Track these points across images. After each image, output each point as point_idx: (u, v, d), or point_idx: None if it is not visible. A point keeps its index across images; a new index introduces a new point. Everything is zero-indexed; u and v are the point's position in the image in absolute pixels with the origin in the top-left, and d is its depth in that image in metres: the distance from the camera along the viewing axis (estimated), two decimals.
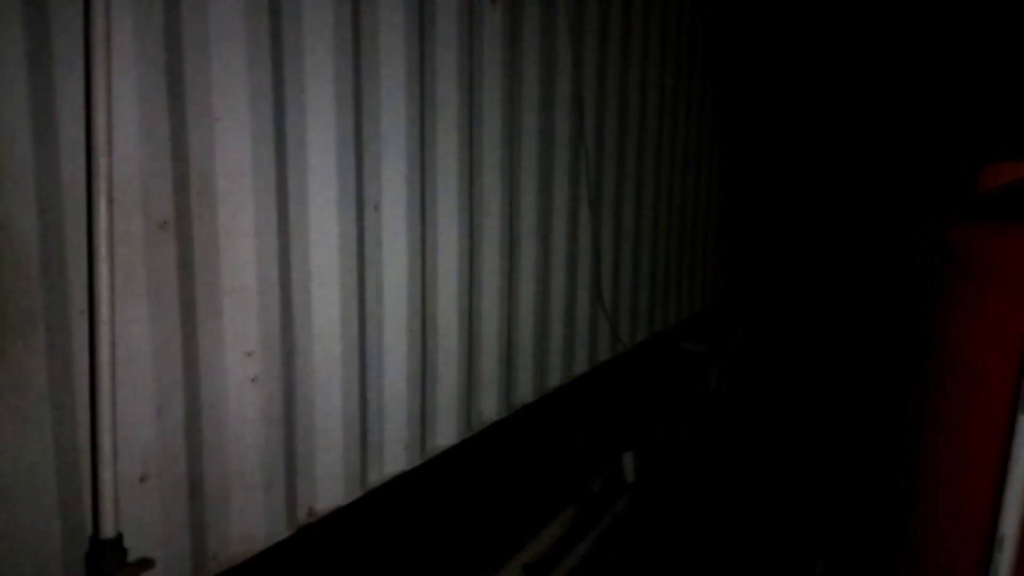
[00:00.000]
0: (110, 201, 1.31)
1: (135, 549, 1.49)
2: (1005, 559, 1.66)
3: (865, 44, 5.83)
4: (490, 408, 2.73)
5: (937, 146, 5.12)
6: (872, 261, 5.66)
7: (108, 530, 1.36)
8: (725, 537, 3.37)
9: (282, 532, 1.86)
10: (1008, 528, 1.65)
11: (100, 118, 1.26)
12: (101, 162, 1.27)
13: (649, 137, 3.84)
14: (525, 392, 2.94)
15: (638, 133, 3.70)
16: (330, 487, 2.02)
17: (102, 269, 1.30)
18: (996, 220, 1.78)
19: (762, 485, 3.92)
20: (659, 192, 4.02)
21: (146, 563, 1.42)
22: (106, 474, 1.33)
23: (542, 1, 2.76)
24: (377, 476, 2.20)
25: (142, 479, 1.53)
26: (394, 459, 2.26)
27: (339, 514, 2.04)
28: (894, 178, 5.69)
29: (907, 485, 2.18)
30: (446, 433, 2.49)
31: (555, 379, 3.15)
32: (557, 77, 2.94)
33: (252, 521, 1.80)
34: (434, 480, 2.48)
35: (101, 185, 1.27)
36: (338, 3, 1.86)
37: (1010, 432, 1.61)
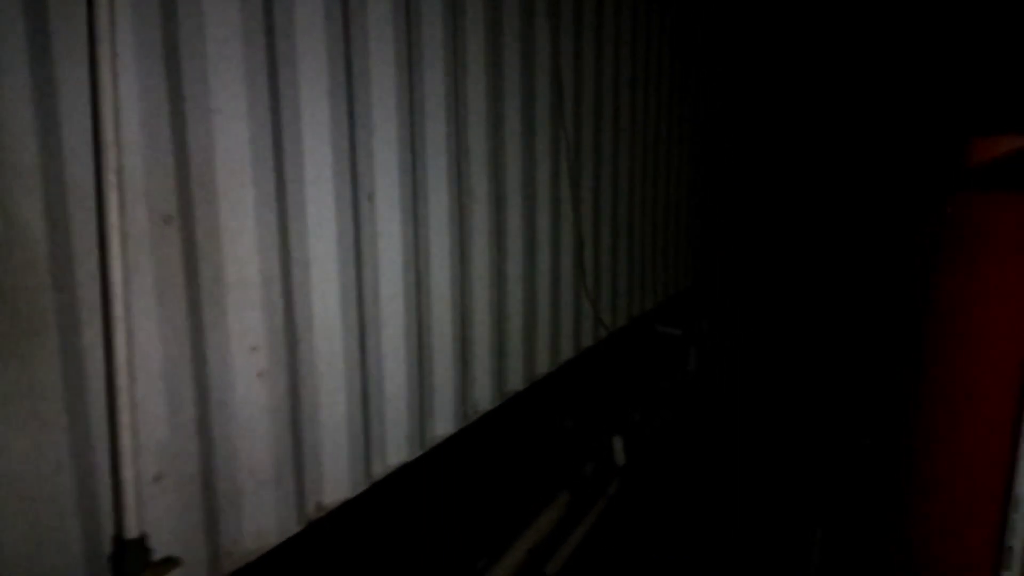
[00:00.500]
0: (121, 195, 1.28)
1: (154, 549, 1.47)
2: (1021, 519, 1.72)
3: (848, 23, 5.93)
4: (484, 397, 2.74)
5: (923, 122, 5.26)
6: (860, 231, 5.81)
7: (132, 530, 1.34)
8: (719, 513, 3.44)
9: (292, 527, 1.85)
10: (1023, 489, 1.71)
11: (107, 111, 1.24)
12: (110, 156, 1.24)
13: (624, 122, 3.88)
14: (516, 380, 2.96)
15: (614, 118, 3.74)
16: (337, 480, 2.01)
17: (115, 265, 1.28)
18: (984, 189, 1.86)
19: (751, 460, 4.01)
20: (634, 177, 4.07)
21: (171, 562, 1.40)
22: (127, 473, 1.31)
23: None
24: (381, 468, 2.20)
25: (156, 478, 1.50)
26: (396, 450, 2.26)
27: (346, 507, 2.04)
28: (879, 154, 5.83)
29: (909, 445, 2.25)
30: (444, 423, 2.49)
31: (543, 366, 3.18)
32: (536, 66, 2.96)
33: (263, 517, 1.78)
34: (434, 470, 2.49)
35: (111, 179, 1.25)
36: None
37: (1021, 383, 1.68)
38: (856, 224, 5.99)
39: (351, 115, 1.97)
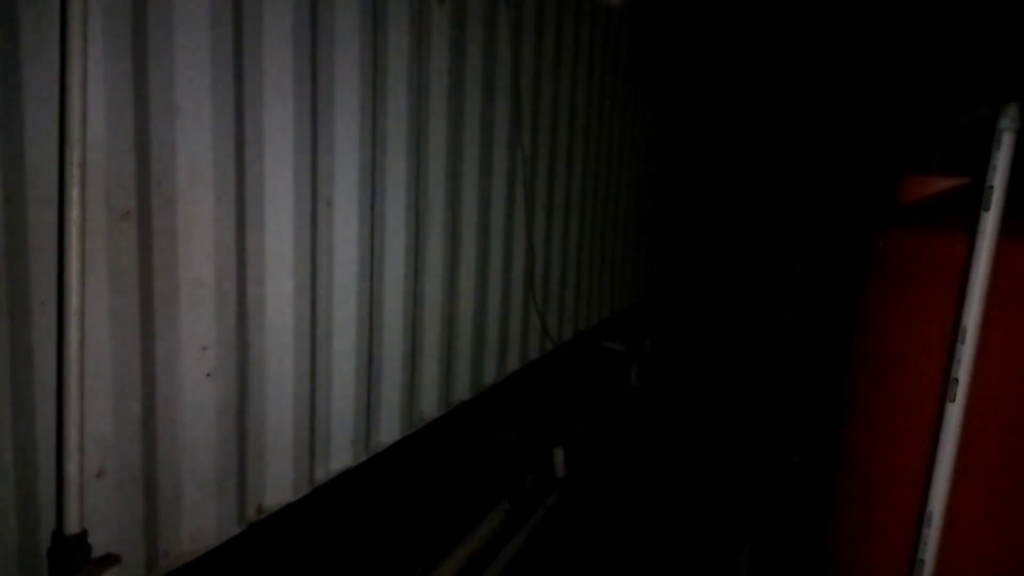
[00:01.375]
0: (83, 189, 1.28)
1: (93, 545, 1.45)
2: (932, 534, 1.84)
3: (792, 58, 6.15)
4: (430, 405, 2.76)
5: (862, 156, 5.50)
6: (799, 262, 6.04)
7: (73, 526, 1.33)
8: (653, 526, 3.53)
9: (232, 529, 1.85)
10: (936, 504, 1.83)
11: (75, 105, 1.24)
12: (75, 150, 1.24)
13: (579, 143, 3.97)
14: (463, 389, 3.00)
15: (568, 138, 3.83)
16: (279, 484, 2.02)
17: (72, 259, 1.27)
18: (912, 227, 1.99)
19: (685, 474, 4.12)
20: (586, 195, 4.16)
21: (110, 559, 1.39)
22: (71, 469, 1.30)
23: (485, 5, 2.83)
24: (324, 473, 2.21)
25: (99, 474, 1.49)
26: (340, 456, 2.27)
27: (287, 511, 2.04)
28: (819, 185, 6.06)
29: (834, 461, 2.36)
30: (390, 430, 2.51)
31: (490, 376, 3.22)
32: (497, 82, 3.02)
33: (203, 518, 1.78)
34: (377, 476, 2.50)
35: (75, 173, 1.25)
36: (297, 4, 1.86)
37: (942, 399, 1.79)
38: (794, 250, 6.23)
39: (314, 122, 1.98)
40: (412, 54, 2.38)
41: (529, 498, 3.31)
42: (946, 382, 1.83)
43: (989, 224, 1.78)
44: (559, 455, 3.47)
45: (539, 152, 3.50)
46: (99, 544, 1.50)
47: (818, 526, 2.48)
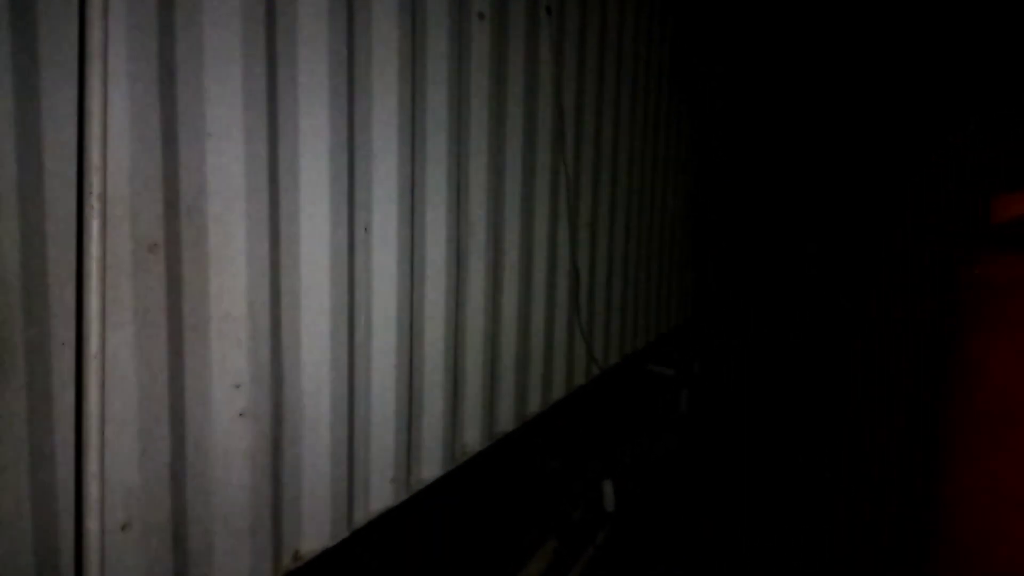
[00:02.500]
0: (103, 223, 1.19)
1: None
2: None
3: (868, 72, 5.91)
4: (473, 438, 2.63)
5: (925, 174, 5.23)
6: (865, 283, 5.76)
7: None
8: (709, 566, 3.34)
9: None
10: None
11: (95, 134, 1.15)
12: (95, 181, 1.15)
13: (623, 157, 3.83)
14: (507, 420, 2.86)
15: (613, 153, 3.69)
16: (316, 528, 1.90)
17: (92, 298, 1.18)
18: (1014, 251, 1.80)
19: (744, 508, 3.90)
20: (631, 212, 4.02)
21: None
22: (92, 524, 1.20)
23: (526, 18, 2.72)
24: (363, 514, 2.09)
25: (124, 527, 1.39)
26: (380, 495, 2.14)
27: (325, 556, 1.92)
28: (875, 201, 5.80)
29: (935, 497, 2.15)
30: (431, 466, 2.39)
31: (535, 406, 3.08)
32: (539, 98, 2.91)
33: (236, 568, 1.67)
34: (419, 514, 2.37)
35: (94, 205, 1.16)
36: (333, 24, 1.77)
37: None
38: (856, 269, 5.96)
39: (351, 144, 1.89)
40: (451, 72, 2.28)
41: (578, 534, 3.15)
42: None
43: None
44: (608, 487, 3.30)
45: (582, 170, 3.37)
46: None
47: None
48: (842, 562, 3.39)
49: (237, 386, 1.62)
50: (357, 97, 1.91)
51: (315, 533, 1.89)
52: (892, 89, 5.68)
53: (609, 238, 3.75)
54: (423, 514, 2.40)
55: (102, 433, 1.22)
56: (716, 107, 5.44)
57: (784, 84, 6.19)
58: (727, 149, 5.83)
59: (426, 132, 2.23)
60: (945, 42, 5.22)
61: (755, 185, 6.31)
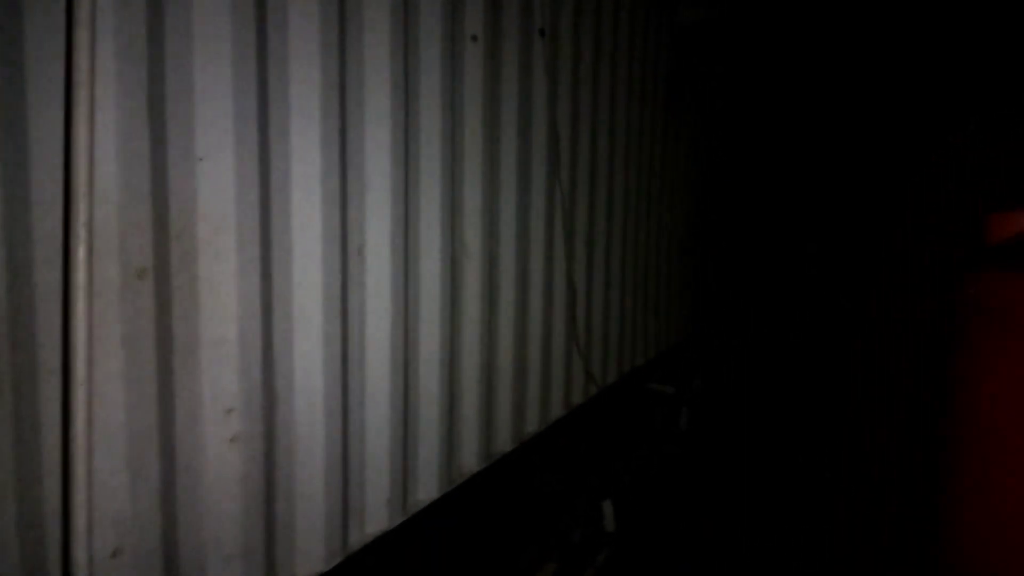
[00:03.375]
0: (90, 250, 1.18)
1: None
2: None
3: (857, 83, 5.91)
4: (470, 459, 2.62)
5: (924, 175, 5.20)
6: (865, 288, 5.73)
7: None
8: None
9: None
10: None
11: (81, 159, 1.15)
12: (81, 207, 1.15)
13: (619, 175, 3.84)
14: (504, 441, 2.84)
15: (608, 172, 3.70)
16: (310, 553, 1.88)
17: (79, 325, 1.17)
18: (1005, 269, 1.78)
19: (745, 529, 3.86)
20: (628, 229, 4.02)
21: None
22: (79, 553, 1.19)
23: (520, 41, 2.74)
24: (358, 537, 2.07)
25: (114, 554, 1.37)
26: (376, 518, 2.12)
27: None
28: (874, 205, 5.78)
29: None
30: (427, 487, 2.37)
31: (532, 425, 3.06)
32: (533, 118, 2.92)
33: None
34: (415, 537, 2.35)
35: (80, 233, 1.15)
36: (325, 47, 1.78)
37: None
38: (856, 273, 5.93)
39: (343, 166, 1.89)
40: (445, 94, 2.29)
41: (578, 555, 3.11)
42: None
43: None
44: (608, 508, 3.27)
45: (578, 187, 3.37)
46: None
47: None
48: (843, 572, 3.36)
49: (229, 411, 1.61)
50: (349, 119, 1.92)
51: (309, 558, 1.87)
52: (891, 91, 5.69)
53: (607, 256, 3.74)
54: (420, 537, 2.37)
55: (90, 461, 1.20)
56: (714, 118, 5.46)
57: (784, 90, 6.21)
58: (725, 161, 5.84)
59: (420, 153, 2.24)
60: (946, 44, 5.23)
61: (754, 197, 6.32)
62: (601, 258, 3.68)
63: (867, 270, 5.76)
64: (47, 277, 1.23)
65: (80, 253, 1.16)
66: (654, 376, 4.43)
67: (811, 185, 6.24)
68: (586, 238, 3.49)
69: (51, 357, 1.24)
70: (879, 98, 5.82)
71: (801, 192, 6.28)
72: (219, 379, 1.59)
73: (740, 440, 5.03)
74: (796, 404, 5.40)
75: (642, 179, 4.20)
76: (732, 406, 5.45)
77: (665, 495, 4.16)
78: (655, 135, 4.38)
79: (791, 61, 6.12)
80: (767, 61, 6.13)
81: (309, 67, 1.76)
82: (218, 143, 1.54)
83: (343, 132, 1.88)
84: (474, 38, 2.47)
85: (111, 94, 1.30)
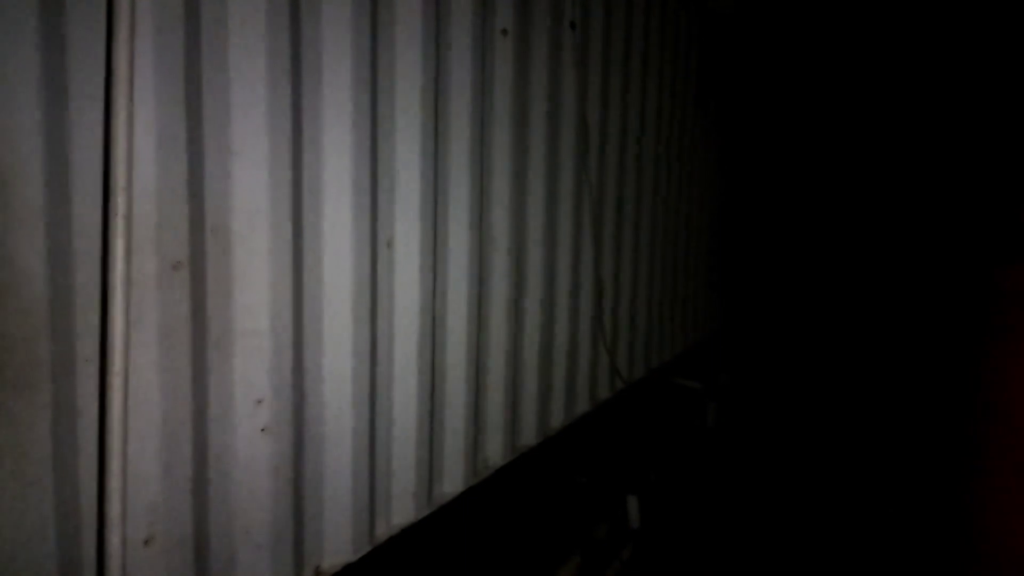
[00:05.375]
0: (128, 242, 1.20)
1: None
2: None
3: (894, 78, 5.81)
4: (495, 453, 2.62)
5: (969, 187, 5.10)
6: (894, 287, 5.63)
7: None
8: None
9: None
10: None
11: (121, 153, 1.17)
12: (120, 200, 1.17)
13: (648, 168, 3.81)
14: (529, 435, 2.85)
15: (637, 164, 3.68)
16: (337, 543, 1.90)
17: (117, 315, 1.19)
18: None
19: (771, 528, 3.83)
20: (655, 223, 3.99)
21: None
22: (114, 539, 1.21)
23: (550, 34, 2.73)
24: (385, 529, 2.09)
25: (147, 541, 1.40)
26: (402, 510, 2.14)
27: (346, 572, 1.92)
28: (904, 205, 5.68)
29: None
30: (453, 480, 2.38)
31: (558, 420, 3.06)
32: (562, 111, 2.90)
33: None
34: (441, 529, 2.36)
35: (119, 225, 1.17)
36: (356, 44, 1.79)
37: None
38: (885, 274, 5.84)
39: (374, 161, 1.90)
40: (475, 88, 2.29)
41: (602, 551, 3.11)
42: None
43: None
44: (633, 503, 3.27)
45: (606, 181, 3.36)
46: None
47: None
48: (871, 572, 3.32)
49: (259, 402, 1.63)
50: (380, 114, 1.93)
51: (337, 548, 1.89)
52: (921, 89, 5.58)
53: (634, 250, 3.72)
54: (445, 529, 2.39)
55: (125, 450, 1.23)
56: (744, 112, 5.39)
57: (814, 83, 6.11)
58: (754, 155, 5.77)
59: (449, 147, 2.24)
60: (980, 44, 5.12)
61: (783, 192, 6.24)
62: (629, 252, 3.66)
63: (895, 264, 5.66)
64: (86, 269, 1.25)
65: (118, 246, 1.18)
66: (681, 371, 4.40)
67: (841, 180, 6.14)
68: (614, 232, 3.47)
69: (89, 347, 1.27)
70: (906, 92, 5.72)
71: (830, 187, 6.19)
72: (250, 370, 1.61)
73: (767, 436, 4.98)
74: (824, 400, 5.33)
75: (671, 172, 4.17)
76: (759, 402, 5.40)
77: (691, 491, 4.14)
78: (684, 128, 4.34)
79: (822, 53, 6.02)
80: (797, 53, 6.03)
81: (341, 61, 1.77)
82: (252, 137, 1.56)
83: (374, 126, 1.89)
84: (504, 32, 2.46)
85: (149, 88, 1.31)
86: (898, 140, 5.76)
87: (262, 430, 1.64)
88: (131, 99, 1.19)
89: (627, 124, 3.52)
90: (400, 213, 2.05)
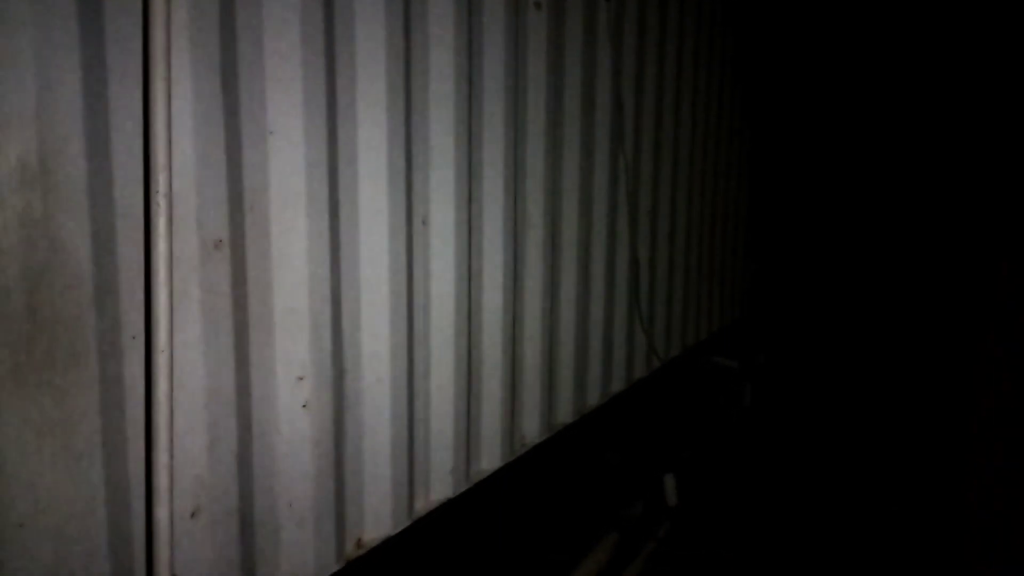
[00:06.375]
0: (170, 220, 1.22)
1: None
2: None
3: (912, 69, 5.68)
4: (532, 430, 2.63)
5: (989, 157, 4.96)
6: (930, 270, 5.51)
7: (163, 574, 1.26)
8: (774, 564, 3.25)
9: (331, 566, 1.76)
10: None
11: (160, 133, 1.18)
12: (160, 179, 1.18)
13: (684, 144, 3.76)
14: (566, 412, 2.85)
15: (673, 140, 3.63)
16: (378, 516, 1.93)
17: (160, 293, 1.21)
18: None
19: (808, 507, 3.78)
20: (692, 201, 3.94)
21: None
22: (161, 513, 1.24)
23: (584, 8, 2.69)
24: (424, 504, 2.11)
25: (193, 514, 1.43)
26: (441, 485, 2.16)
27: (386, 544, 1.95)
28: (939, 187, 5.55)
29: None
30: (491, 457, 2.39)
31: (594, 398, 3.06)
32: (597, 87, 2.87)
33: (301, 555, 1.70)
34: (478, 505, 2.38)
35: (161, 203, 1.19)
36: (390, 19, 1.78)
37: None
38: (920, 256, 5.71)
39: (408, 138, 1.90)
40: (508, 64, 2.27)
41: (639, 528, 3.11)
42: None
43: None
44: (670, 482, 3.25)
45: (642, 159, 3.32)
46: None
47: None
48: (908, 550, 3.27)
49: (300, 378, 1.65)
50: (414, 90, 1.92)
51: (377, 522, 1.92)
52: (952, 77, 5.42)
53: (670, 228, 3.68)
54: (484, 505, 2.41)
55: (171, 424, 1.25)
56: (782, 91, 5.28)
57: (852, 67, 5.96)
58: (793, 134, 5.65)
59: (483, 124, 2.23)
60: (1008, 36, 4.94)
61: (817, 174, 6.11)
62: (665, 230, 3.62)
63: (931, 250, 5.53)
64: (129, 248, 1.27)
65: (160, 224, 1.20)
66: (718, 350, 4.36)
67: (873, 164, 6.00)
68: (650, 210, 3.43)
69: (134, 325, 1.29)
70: (929, 85, 5.57)
71: (863, 171, 6.05)
72: (291, 347, 1.62)
73: (803, 417, 4.92)
74: (860, 382, 5.24)
75: (708, 151, 4.10)
76: (796, 383, 5.33)
77: (728, 471, 4.11)
78: (722, 106, 4.26)
79: (861, 37, 5.86)
80: (835, 37, 5.89)
81: (375, 39, 1.76)
82: (288, 117, 1.57)
83: (408, 103, 1.89)
84: (538, 5, 2.43)
85: (186, 66, 1.32)
86: (929, 129, 5.61)
87: (303, 406, 1.66)
88: (168, 78, 1.20)
89: (662, 102, 3.46)
90: (435, 191, 2.04)
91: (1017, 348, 1.78)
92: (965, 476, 2.03)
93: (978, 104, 5.21)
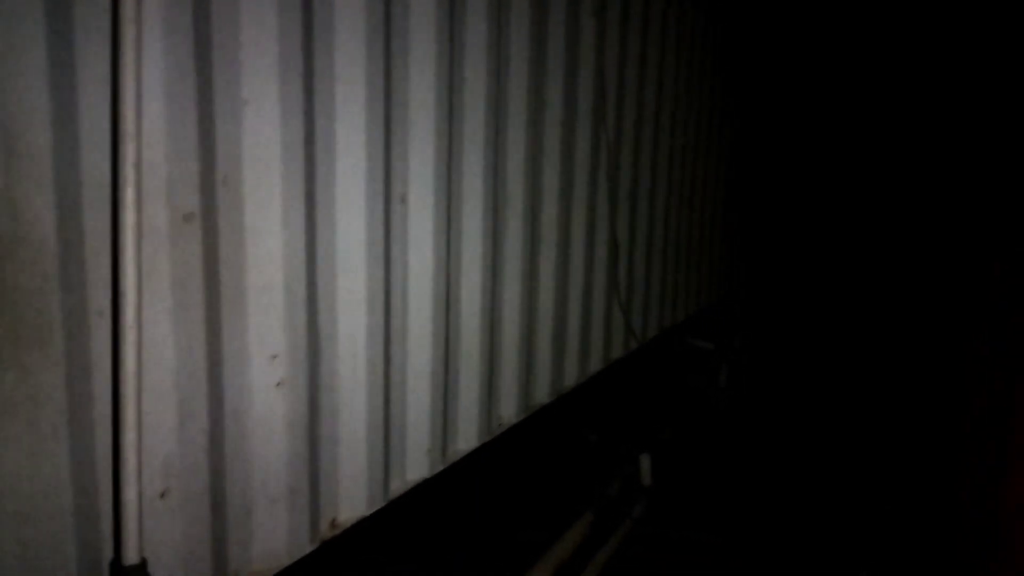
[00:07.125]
0: (138, 191, 1.17)
1: (154, 571, 1.36)
2: None
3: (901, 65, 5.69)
4: (509, 410, 2.62)
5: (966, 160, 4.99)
6: (903, 260, 5.56)
7: (131, 555, 1.23)
8: (751, 549, 3.28)
9: (305, 547, 1.74)
10: None
11: (129, 99, 1.13)
12: (129, 148, 1.13)
13: (665, 127, 3.74)
14: (543, 393, 2.84)
15: (655, 122, 3.60)
16: (353, 497, 1.90)
17: (128, 267, 1.17)
18: None
19: (785, 489, 3.83)
20: (672, 182, 3.93)
21: None
22: (130, 494, 1.20)
23: None
24: (399, 484, 2.09)
25: (162, 495, 1.40)
26: (416, 465, 2.14)
27: (361, 525, 1.93)
28: (921, 172, 5.58)
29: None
30: (467, 437, 2.38)
31: (571, 378, 3.05)
32: (580, 66, 2.83)
33: (274, 536, 1.68)
34: (455, 485, 2.38)
35: (129, 174, 1.14)
36: None
37: None
38: (899, 252, 5.76)
39: (387, 113, 1.85)
40: (490, 39, 2.22)
41: (614, 508, 3.13)
42: None
43: None
44: (645, 462, 3.27)
45: (623, 139, 3.29)
46: (164, 569, 1.41)
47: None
48: (884, 531, 3.33)
49: (274, 356, 1.62)
50: (394, 64, 1.87)
51: (352, 502, 1.90)
52: (933, 72, 5.45)
53: (650, 209, 3.67)
54: (461, 485, 2.40)
55: (139, 403, 1.21)
56: (764, 76, 5.27)
57: (839, 53, 5.97)
58: (774, 119, 5.65)
59: (463, 100, 2.19)
60: (999, 34, 4.97)
61: (803, 162, 6.14)
62: (644, 212, 3.61)
63: (913, 233, 5.57)
64: (96, 220, 1.22)
65: (128, 194, 1.15)
66: (695, 332, 4.38)
67: (860, 147, 6.03)
68: (630, 191, 3.42)
69: (101, 300, 1.25)
70: (921, 76, 5.59)
71: (853, 162, 6.08)
72: (264, 325, 1.59)
73: (779, 399, 4.97)
74: (836, 365, 5.30)
75: (688, 133, 4.09)
76: (772, 365, 5.38)
77: (703, 451, 4.15)
78: (704, 89, 4.24)
79: (849, 26, 5.87)
80: (822, 25, 5.88)
81: (353, 10, 1.71)
82: (263, 87, 1.51)
83: (387, 76, 1.84)
84: None
85: (158, 32, 1.27)
86: (917, 119, 5.64)
87: (277, 385, 1.63)
88: (139, 42, 1.15)
89: (645, 76, 3.43)
90: (414, 169, 2.00)
91: (1009, 348, 1.80)
92: (957, 475, 2.06)
93: (972, 101, 5.23)
